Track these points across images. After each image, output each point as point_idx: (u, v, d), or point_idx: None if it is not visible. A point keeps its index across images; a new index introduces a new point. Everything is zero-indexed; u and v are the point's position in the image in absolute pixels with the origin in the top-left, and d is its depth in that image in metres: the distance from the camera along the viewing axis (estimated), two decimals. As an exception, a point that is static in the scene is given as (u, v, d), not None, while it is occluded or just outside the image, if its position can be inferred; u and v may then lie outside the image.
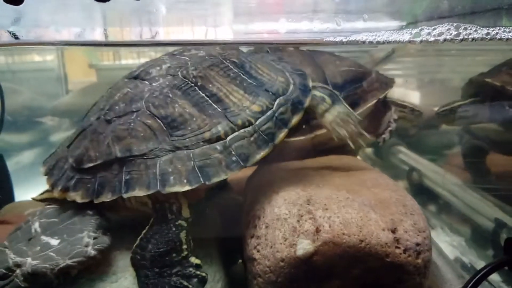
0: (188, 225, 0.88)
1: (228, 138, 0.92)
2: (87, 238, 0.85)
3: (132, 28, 1.31)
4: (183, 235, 0.86)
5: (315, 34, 1.25)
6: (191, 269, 0.84)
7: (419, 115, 1.64)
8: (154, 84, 0.97)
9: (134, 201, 0.94)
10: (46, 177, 0.95)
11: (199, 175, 0.86)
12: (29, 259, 0.80)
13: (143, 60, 2.24)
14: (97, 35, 1.29)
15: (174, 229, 0.86)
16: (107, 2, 0.95)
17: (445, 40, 1.17)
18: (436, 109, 1.78)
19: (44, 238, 0.86)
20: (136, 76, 1.02)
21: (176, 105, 0.93)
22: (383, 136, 1.45)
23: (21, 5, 0.94)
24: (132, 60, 2.27)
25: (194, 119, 0.92)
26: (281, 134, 0.98)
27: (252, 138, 0.94)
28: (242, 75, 1.03)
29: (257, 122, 0.96)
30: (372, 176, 1.10)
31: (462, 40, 1.17)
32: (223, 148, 0.91)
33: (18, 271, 0.79)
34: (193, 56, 1.06)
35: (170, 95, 0.94)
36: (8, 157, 1.56)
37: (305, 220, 0.88)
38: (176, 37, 1.34)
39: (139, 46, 1.72)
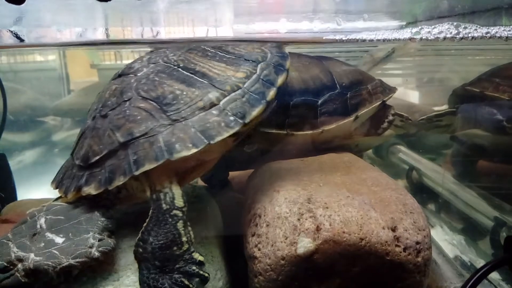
0: (184, 214, 0.88)
1: (221, 102, 0.95)
2: (92, 239, 0.85)
3: (134, 28, 1.32)
4: (180, 225, 0.86)
5: (315, 33, 1.25)
6: (194, 267, 0.85)
7: (412, 123, 1.74)
8: (139, 74, 1.01)
9: (135, 188, 0.95)
10: (58, 189, 0.96)
11: (202, 137, 0.89)
12: (32, 255, 0.80)
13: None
14: (99, 35, 1.30)
15: (170, 219, 0.86)
16: (108, 2, 0.95)
17: (445, 38, 1.17)
18: (436, 108, 1.81)
19: (49, 235, 0.85)
20: (120, 74, 1.05)
21: (165, 85, 0.97)
22: (382, 126, 1.48)
23: (22, 5, 0.94)
24: (133, 60, 2.27)
25: (185, 93, 0.96)
26: (271, 92, 1.01)
27: (244, 99, 0.98)
28: (219, 53, 1.08)
29: (245, 85, 1.00)
30: (372, 175, 1.10)
31: (461, 38, 1.17)
32: (218, 111, 0.94)
33: (19, 265, 0.79)
34: (171, 48, 1.12)
35: (157, 79, 0.98)
36: (10, 156, 1.56)
37: (305, 219, 0.89)
38: (177, 36, 1.35)
39: (140, 45, 1.72)
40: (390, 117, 1.50)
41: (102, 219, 0.91)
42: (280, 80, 1.05)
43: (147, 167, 0.86)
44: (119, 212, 1.03)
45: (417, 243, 0.87)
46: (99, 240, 0.85)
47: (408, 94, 2.32)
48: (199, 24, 1.34)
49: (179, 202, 0.89)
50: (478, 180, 1.70)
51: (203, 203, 1.17)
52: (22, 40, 1.28)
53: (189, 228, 0.88)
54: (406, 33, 1.20)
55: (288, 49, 1.55)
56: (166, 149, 0.87)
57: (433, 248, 0.97)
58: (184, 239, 0.86)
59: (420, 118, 1.80)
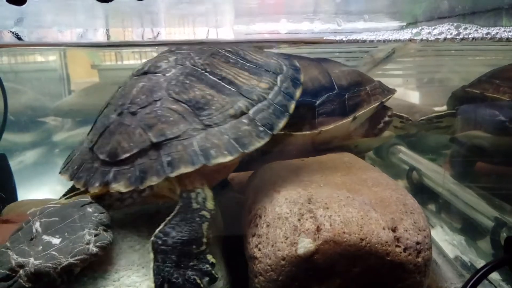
0: (211, 217, 0.89)
1: (250, 112, 0.98)
2: (88, 236, 0.85)
3: (134, 29, 1.32)
4: (205, 227, 0.87)
5: (315, 34, 1.25)
6: (207, 266, 0.85)
7: (412, 124, 1.77)
8: (167, 74, 1.01)
9: (161, 188, 0.95)
10: (74, 181, 0.95)
11: (236, 145, 0.91)
12: (31, 259, 0.81)
13: (144, 61, 2.24)
14: (99, 36, 1.30)
15: (198, 219, 0.87)
16: (109, 3, 0.95)
17: (445, 39, 1.17)
18: (436, 109, 1.82)
19: (46, 238, 0.86)
20: (146, 71, 1.04)
21: (196, 89, 0.98)
22: (378, 126, 1.49)
23: (23, 6, 0.94)
24: (134, 60, 2.27)
25: (216, 99, 0.97)
26: (292, 105, 1.06)
27: (270, 110, 1.01)
28: (240, 60, 1.11)
29: (270, 97, 1.04)
30: (372, 175, 1.11)
31: (462, 39, 1.17)
32: (248, 121, 0.97)
33: (21, 271, 0.79)
34: (192, 49, 1.12)
35: (187, 82, 0.99)
36: (11, 156, 1.57)
37: (306, 219, 0.89)
38: (177, 37, 1.35)
39: (141, 47, 1.72)
40: (386, 118, 1.51)
41: (96, 214, 0.91)
42: (298, 93, 1.11)
43: (183, 170, 0.87)
44: (119, 213, 1.03)
45: (418, 243, 0.87)
46: (95, 235, 0.85)
47: (408, 95, 2.32)
48: (200, 24, 1.34)
49: (210, 204, 0.91)
50: (476, 181, 1.70)
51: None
52: (22, 41, 1.28)
53: (210, 231, 0.89)
54: (406, 34, 1.20)
55: (288, 50, 1.56)
56: (201, 154, 0.88)
57: (434, 248, 0.97)
58: (204, 240, 0.86)
59: (420, 119, 1.81)
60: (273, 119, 1.00)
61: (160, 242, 0.84)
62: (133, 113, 0.95)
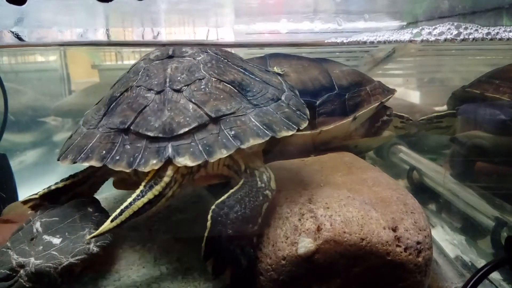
0: (271, 199, 0.91)
1: (282, 97, 1.02)
2: (89, 235, 0.85)
3: (134, 28, 1.32)
4: (265, 207, 0.88)
5: (316, 34, 1.25)
6: (250, 248, 0.86)
7: (412, 124, 1.79)
8: (198, 58, 1.01)
9: (221, 166, 0.96)
10: (110, 164, 0.85)
11: (290, 123, 0.95)
12: (32, 259, 0.81)
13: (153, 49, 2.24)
14: (100, 36, 1.30)
15: (261, 198, 0.88)
16: (109, 3, 0.95)
17: (445, 39, 1.17)
18: (436, 108, 1.82)
19: (46, 237, 0.86)
20: (172, 55, 1.02)
21: (232, 72, 1.00)
22: (376, 124, 1.49)
23: (23, 5, 0.94)
24: (134, 60, 2.27)
25: (253, 83, 1.00)
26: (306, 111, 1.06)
27: (296, 99, 1.05)
28: (246, 64, 1.12)
29: (287, 91, 1.07)
30: (373, 175, 1.11)
31: (462, 40, 1.17)
32: (286, 105, 1.00)
33: (21, 271, 0.80)
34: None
35: (221, 65, 1.01)
36: (11, 156, 1.57)
37: (306, 219, 0.89)
38: (177, 37, 1.35)
39: (141, 46, 1.72)
40: (385, 117, 1.51)
41: (96, 214, 0.91)
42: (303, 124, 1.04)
43: (252, 142, 0.87)
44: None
45: (418, 243, 0.87)
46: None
47: (408, 94, 2.32)
48: (200, 24, 1.34)
49: (274, 184, 0.92)
50: (476, 181, 1.70)
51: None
52: (23, 41, 1.28)
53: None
54: (406, 34, 1.20)
55: (288, 49, 1.56)
56: (265, 127, 0.90)
57: (434, 248, 0.97)
58: (259, 221, 0.87)
59: (420, 119, 1.81)
60: (302, 107, 1.03)
61: (222, 213, 0.84)
62: (178, 90, 0.93)
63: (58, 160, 0.95)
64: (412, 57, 2.10)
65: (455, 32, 1.15)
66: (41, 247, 0.84)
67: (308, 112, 1.03)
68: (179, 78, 0.95)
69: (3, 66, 2.20)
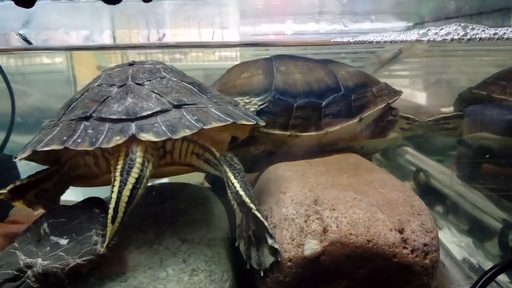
0: None
1: (239, 105, 1.12)
2: (96, 236, 0.85)
3: (140, 30, 1.32)
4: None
5: (321, 35, 1.25)
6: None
7: (419, 125, 1.79)
8: (157, 66, 1.06)
9: (191, 153, 1.00)
10: (72, 145, 0.84)
11: (249, 117, 1.02)
12: (39, 260, 0.81)
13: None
14: (106, 38, 1.30)
15: (246, 178, 0.96)
16: (116, 5, 0.96)
17: (452, 39, 1.16)
18: (443, 110, 1.81)
19: (53, 238, 0.87)
20: (132, 63, 1.08)
21: (191, 78, 1.07)
22: (381, 124, 1.49)
23: (31, 8, 0.94)
24: (139, 62, 2.28)
25: (210, 89, 1.08)
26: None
27: (250, 108, 1.20)
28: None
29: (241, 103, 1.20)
30: (379, 176, 1.10)
31: (469, 39, 1.16)
32: (243, 109, 1.10)
33: (29, 272, 0.80)
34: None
35: (180, 74, 1.08)
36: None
37: (312, 220, 0.89)
38: (183, 39, 1.35)
39: (147, 48, 1.73)
40: (390, 117, 1.50)
41: (103, 215, 0.91)
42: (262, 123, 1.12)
43: (215, 124, 0.91)
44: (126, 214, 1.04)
45: (425, 245, 0.87)
46: (102, 236, 0.86)
47: (415, 96, 2.31)
48: (205, 26, 1.34)
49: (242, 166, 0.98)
50: (484, 182, 1.70)
51: (209, 205, 1.17)
52: (30, 43, 1.29)
53: None
54: (413, 35, 1.19)
55: (295, 50, 1.56)
56: (226, 115, 0.95)
57: (441, 250, 0.97)
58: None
59: (427, 120, 1.80)
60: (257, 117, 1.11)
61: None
62: (140, 84, 0.97)
63: (15, 159, 0.95)
64: (418, 58, 2.10)
65: (462, 32, 1.15)
66: (48, 248, 0.84)
67: (262, 121, 1.10)
68: (141, 76, 1.00)
69: (10, 68, 2.21)
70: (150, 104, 0.91)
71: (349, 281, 0.88)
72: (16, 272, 0.80)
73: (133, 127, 0.86)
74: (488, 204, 1.54)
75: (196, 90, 1.02)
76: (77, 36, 1.32)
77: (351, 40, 1.22)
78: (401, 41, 1.20)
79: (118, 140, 0.84)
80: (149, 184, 1.23)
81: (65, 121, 0.94)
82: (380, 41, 1.21)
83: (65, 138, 0.87)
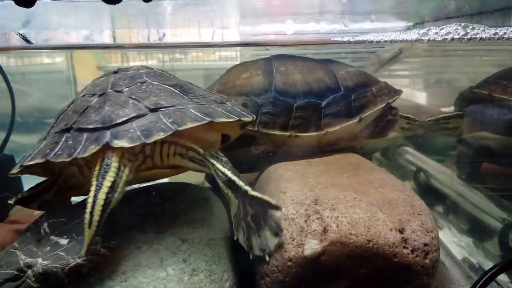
0: None
1: (228, 102, 1.11)
2: (96, 237, 0.85)
3: (140, 30, 1.32)
4: None
5: (322, 35, 1.25)
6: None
7: (419, 125, 1.78)
8: (141, 71, 1.08)
9: (173, 154, 0.99)
10: (52, 158, 0.88)
11: (230, 114, 1.01)
12: (39, 260, 0.81)
13: (150, 62, 2.25)
14: (106, 37, 1.30)
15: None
16: (116, 4, 0.96)
17: (452, 39, 1.17)
18: (443, 109, 1.81)
19: (54, 238, 0.87)
20: (117, 71, 1.10)
21: (176, 80, 1.08)
22: (380, 124, 1.49)
23: (31, 8, 0.94)
24: (140, 62, 2.29)
25: (195, 89, 1.08)
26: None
27: (236, 106, 1.15)
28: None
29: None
30: (379, 176, 1.10)
31: (469, 39, 1.16)
32: (230, 107, 1.08)
33: (29, 272, 0.80)
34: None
35: (165, 76, 1.09)
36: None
37: (312, 220, 0.89)
38: (183, 38, 1.35)
39: (147, 48, 1.73)
40: (389, 117, 1.50)
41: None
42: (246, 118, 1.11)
43: (190, 125, 0.91)
44: (125, 214, 1.04)
45: (425, 245, 0.87)
46: (102, 236, 0.86)
47: (415, 95, 2.31)
48: (205, 26, 1.34)
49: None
50: (484, 182, 1.70)
51: (210, 205, 1.17)
52: (30, 43, 1.29)
53: None
54: (413, 34, 1.19)
55: (294, 50, 1.56)
56: (204, 115, 0.94)
57: (441, 250, 0.97)
58: None
59: (427, 120, 1.80)
60: (247, 111, 1.12)
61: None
62: (119, 91, 0.98)
63: (10, 175, 0.99)
64: (418, 58, 2.10)
65: (462, 32, 1.15)
66: (49, 247, 0.84)
67: (252, 115, 1.11)
68: (121, 83, 1.01)
69: (10, 68, 2.21)
70: (126, 110, 0.92)
71: (349, 281, 0.88)
72: (16, 272, 0.80)
73: (108, 135, 0.87)
74: (488, 204, 1.54)
75: (177, 91, 1.02)
76: (77, 36, 1.32)
77: (351, 40, 1.22)
78: (401, 41, 1.21)
79: (93, 149, 0.86)
80: (149, 184, 1.24)
81: (52, 134, 0.98)
82: (380, 41, 1.21)
83: (48, 151, 0.91)
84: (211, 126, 0.99)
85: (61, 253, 0.82)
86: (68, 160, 0.86)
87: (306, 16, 1.26)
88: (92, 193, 0.82)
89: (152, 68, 1.12)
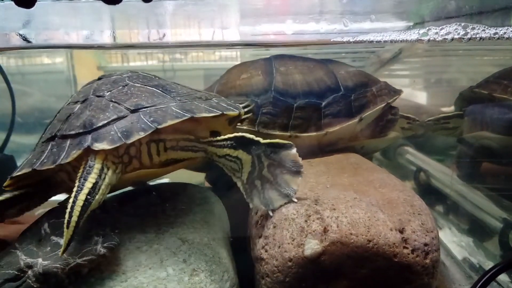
0: None
1: (213, 98, 1.12)
2: (96, 237, 0.86)
3: (140, 30, 1.32)
4: None
5: (322, 35, 1.25)
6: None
7: (419, 124, 1.79)
8: (124, 75, 1.09)
9: (163, 150, 1.00)
10: (38, 167, 0.90)
11: (213, 109, 1.02)
12: (40, 260, 0.81)
13: (151, 62, 2.25)
14: (106, 38, 1.30)
15: None
16: (116, 5, 0.96)
17: (452, 39, 1.16)
18: (443, 109, 1.81)
19: (54, 238, 0.87)
20: (101, 77, 1.11)
21: (159, 81, 1.09)
22: (380, 123, 1.49)
23: (31, 8, 0.94)
24: (140, 62, 2.29)
25: (179, 88, 1.08)
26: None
27: (223, 101, 1.15)
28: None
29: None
30: (379, 176, 1.10)
31: (469, 39, 1.16)
32: (216, 103, 1.09)
33: (29, 272, 0.80)
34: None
35: (148, 78, 1.09)
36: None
37: (312, 220, 0.89)
38: (183, 38, 1.35)
39: (147, 48, 1.73)
40: (390, 116, 1.50)
41: (103, 215, 0.92)
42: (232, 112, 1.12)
43: (170, 122, 0.91)
44: (126, 214, 1.04)
45: (425, 244, 0.87)
46: (103, 236, 0.86)
47: (415, 95, 2.31)
48: (206, 26, 1.34)
49: None
50: (484, 182, 1.70)
51: (210, 205, 1.17)
52: (30, 43, 1.29)
53: None
54: (413, 34, 1.19)
55: (295, 50, 1.56)
56: (185, 111, 0.95)
57: (441, 250, 0.97)
58: None
59: (427, 120, 1.80)
60: (235, 105, 1.13)
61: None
62: (101, 96, 0.99)
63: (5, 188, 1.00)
64: (418, 57, 2.10)
65: (462, 32, 1.15)
66: (49, 247, 0.84)
67: (242, 109, 1.13)
68: (103, 88, 1.02)
69: (11, 68, 2.21)
70: (107, 113, 0.93)
71: (350, 281, 0.88)
72: (16, 272, 0.80)
73: (89, 139, 0.89)
74: (488, 204, 1.54)
75: (159, 91, 1.02)
76: (77, 36, 1.32)
77: (351, 40, 1.22)
78: (401, 41, 1.20)
79: (74, 154, 0.87)
80: (150, 184, 1.24)
81: (39, 144, 1.01)
82: (380, 41, 1.21)
83: (34, 160, 0.93)
84: (198, 123, 1.01)
85: (61, 253, 0.82)
86: (52, 167, 0.88)
87: (306, 16, 1.26)
88: (73, 194, 0.83)
89: (136, 72, 1.13)
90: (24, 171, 0.92)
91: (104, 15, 1.28)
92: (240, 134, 0.95)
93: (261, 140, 0.92)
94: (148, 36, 1.32)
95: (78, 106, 0.99)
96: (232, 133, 0.98)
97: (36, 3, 0.90)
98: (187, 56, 2.31)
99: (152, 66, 2.29)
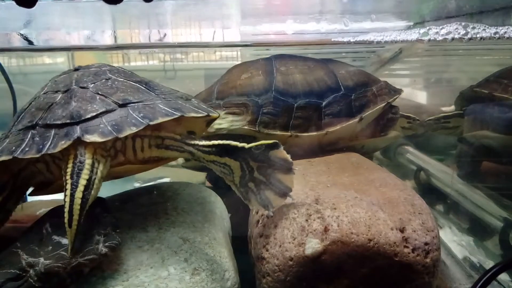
0: None
1: (193, 99, 1.11)
2: (98, 236, 0.85)
3: (141, 30, 1.33)
4: None
5: (322, 35, 1.25)
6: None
7: (419, 124, 1.80)
8: (103, 68, 1.06)
9: (148, 147, 0.99)
10: (19, 155, 0.85)
11: (199, 110, 1.02)
12: (41, 259, 0.81)
13: (151, 62, 2.25)
14: (107, 38, 1.31)
15: None
16: (117, 5, 0.96)
17: (453, 39, 1.17)
18: (443, 109, 1.81)
19: (56, 238, 0.86)
20: (77, 68, 1.08)
21: (140, 77, 1.07)
22: (381, 122, 1.49)
23: (32, 8, 0.95)
24: (141, 62, 2.29)
25: (161, 86, 1.07)
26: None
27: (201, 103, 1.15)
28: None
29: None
30: (380, 175, 1.10)
31: (470, 39, 1.16)
32: (196, 103, 1.08)
33: (31, 271, 0.80)
34: None
35: (128, 74, 1.07)
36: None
37: (313, 220, 0.89)
38: (184, 39, 1.35)
39: (148, 48, 1.73)
40: (390, 115, 1.50)
41: (104, 214, 0.91)
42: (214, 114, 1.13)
43: (161, 120, 0.91)
44: (127, 214, 1.04)
45: (426, 244, 0.87)
46: (104, 235, 0.86)
47: (415, 95, 2.31)
48: (206, 26, 1.34)
49: None
50: (484, 181, 1.70)
51: (211, 204, 1.17)
52: (31, 43, 1.29)
53: None
54: (413, 34, 1.20)
55: (295, 49, 1.57)
56: (174, 110, 0.94)
57: (442, 249, 0.97)
58: None
59: (427, 119, 1.80)
60: (209, 107, 1.12)
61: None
62: (84, 87, 0.96)
63: None
64: (419, 57, 2.09)
65: (462, 31, 1.15)
66: (50, 247, 0.84)
67: (219, 112, 1.12)
68: (85, 79, 0.99)
69: (12, 68, 2.22)
70: (95, 106, 0.91)
71: (350, 280, 0.88)
72: (18, 272, 0.80)
73: (78, 130, 0.86)
74: (489, 203, 1.54)
75: (143, 88, 1.01)
76: (78, 36, 1.32)
77: (351, 40, 1.22)
78: (401, 41, 1.21)
79: (63, 144, 0.84)
80: (151, 183, 1.25)
81: (14, 132, 0.95)
82: (380, 41, 1.21)
83: (13, 148, 0.88)
84: (179, 122, 1.00)
85: (63, 252, 0.82)
86: (37, 156, 0.84)
87: (307, 16, 1.27)
88: (68, 192, 0.81)
89: (113, 66, 1.11)
90: (3, 158, 0.87)
91: (105, 15, 1.28)
92: (223, 142, 0.92)
93: (246, 146, 0.90)
94: (149, 36, 1.32)
95: (60, 95, 0.95)
96: (206, 134, 0.97)
97: (37, 3, 0.90)
98: (188, 56, 2.31)
99: (153, 66, 2.29)
